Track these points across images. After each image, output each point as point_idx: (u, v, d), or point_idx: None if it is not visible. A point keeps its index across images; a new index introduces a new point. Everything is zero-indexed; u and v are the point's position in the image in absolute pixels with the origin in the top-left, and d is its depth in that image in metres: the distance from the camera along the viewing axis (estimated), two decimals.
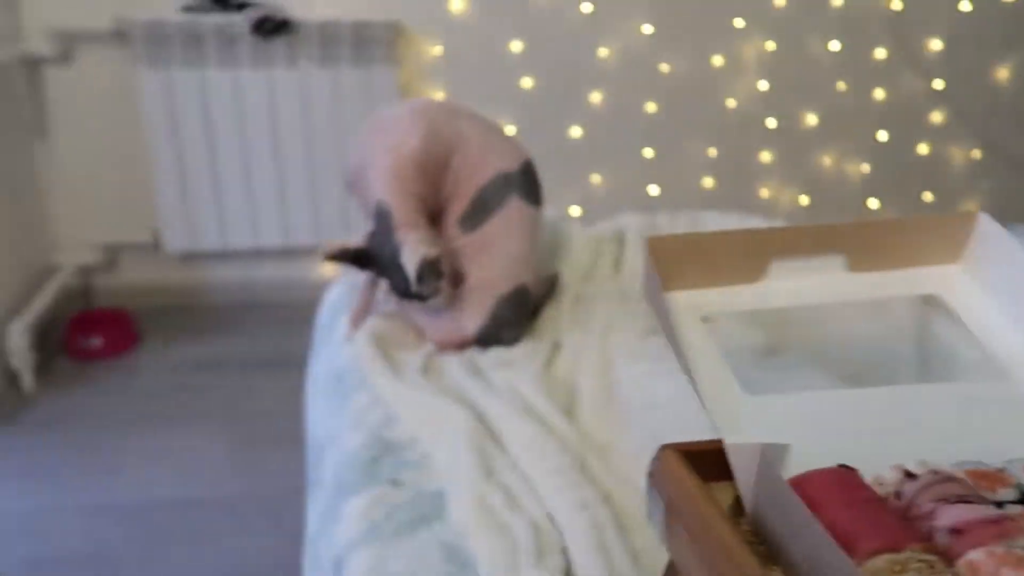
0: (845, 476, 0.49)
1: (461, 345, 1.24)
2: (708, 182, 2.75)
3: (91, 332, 2.27)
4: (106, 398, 2.08)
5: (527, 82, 2.52)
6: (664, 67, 2.58)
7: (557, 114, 2.58)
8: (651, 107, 2.62)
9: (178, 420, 2.01)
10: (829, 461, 0.50)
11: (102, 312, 2.40)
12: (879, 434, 0.54)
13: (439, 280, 1.16)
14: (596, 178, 2.68)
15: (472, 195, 1.26)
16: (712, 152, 2.72)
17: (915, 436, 0.54)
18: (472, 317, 1.23)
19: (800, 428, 0.52)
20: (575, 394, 1.09)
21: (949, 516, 0.45)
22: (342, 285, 1.48)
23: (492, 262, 1.24)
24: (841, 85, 2.71)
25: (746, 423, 0.51)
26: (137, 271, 2.53)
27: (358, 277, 1.42)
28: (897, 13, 2.65)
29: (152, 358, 2.27)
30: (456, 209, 1.27)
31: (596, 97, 2.58)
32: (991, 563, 0.42)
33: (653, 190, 2.72)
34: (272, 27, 2.23)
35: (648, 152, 2.67)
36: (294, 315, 2.34)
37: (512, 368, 1.14)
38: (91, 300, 2.51)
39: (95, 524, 1.66)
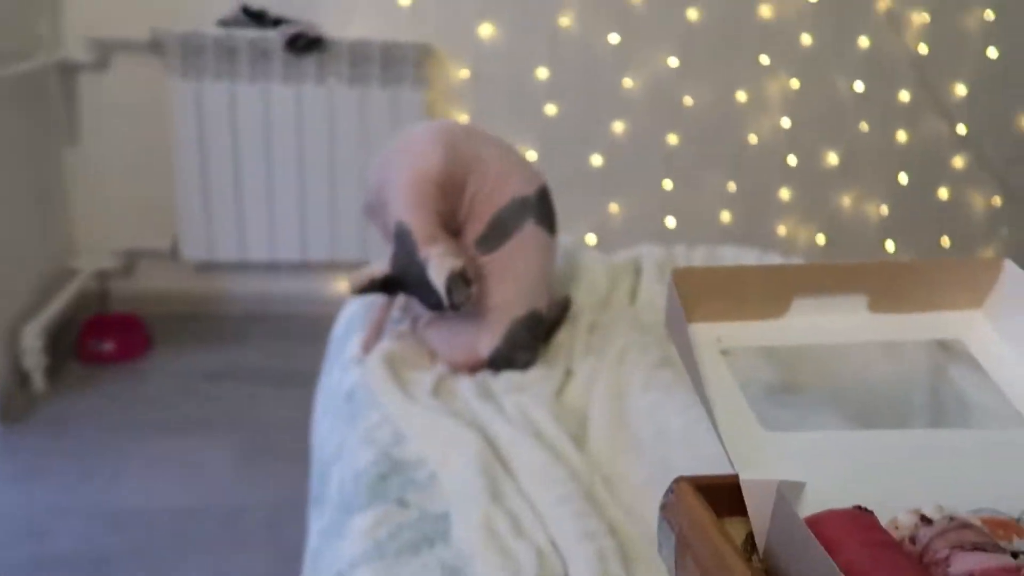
0: (861, 518, 0.48)
1: (474, 367, 1.24)
2: (726, 216, 2.75)
3: (104, 336, 2.28)
4: (114, 403, 2.09)
5: (551, 109, 2.54)
6: (688, 100, 2.60)
7: (579, 141, 2.59)
8: (673, 139, 2.63)
9: (184, 428, 2.01)
10: (845, 502, 0.49)
11: (116, 317, 2.41)
12: (896, 477, 0.53)
13: (469, 288, 1.17)
14: (614, 207, 2.69)
15: (489, 217, 1.27)
16: (731, 186, 2.72)
17: (932, 480, 0.53)
18: (486, 339, 1.23)
19: (817, 467, 0.51)
20: (586, 422, 1.09)
21: (965, 563, 0.45)
22: (357, 302, 1.48)
23: (508, 285, 1.25)
24: (864, 126, 2.71)
25: (762, 459, 0.51)
26: (154, 278, 2.55)
27: (373, 295, 1.43)
28: (923, 56, 2.66)
29: (162, 365, 2.28)
30: (473, 231, 1.27)
31: (619, 127, 2.60)
32: None
33: (670, 222, 2.72)
34: (305, 44, 2.26)
35: (667, 184, 2.68)
36: (307, 329, 2.35)
37: (524, 393, 1.14)
38: (107, 305, 2.53)
39: (95, 528, 1.66)
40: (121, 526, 1.67)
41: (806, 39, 2.58)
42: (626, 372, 1.15)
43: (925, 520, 0.49)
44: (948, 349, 1.12)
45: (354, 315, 1.43)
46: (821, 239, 2.83)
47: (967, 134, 2.78)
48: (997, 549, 0.46)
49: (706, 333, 0.57)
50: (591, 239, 2.67)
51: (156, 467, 1.86)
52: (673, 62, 2.54)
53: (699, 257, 1.61)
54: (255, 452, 1.93)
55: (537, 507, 0.89)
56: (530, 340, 1.25)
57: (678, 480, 0.53)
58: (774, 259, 1.63)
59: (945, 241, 2.93)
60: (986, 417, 0.95)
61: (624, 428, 1.05)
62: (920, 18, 2.62)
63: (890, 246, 2.90)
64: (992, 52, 2.70)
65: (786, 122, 2.67)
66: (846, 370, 1.07)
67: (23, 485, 1.77)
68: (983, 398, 0.98)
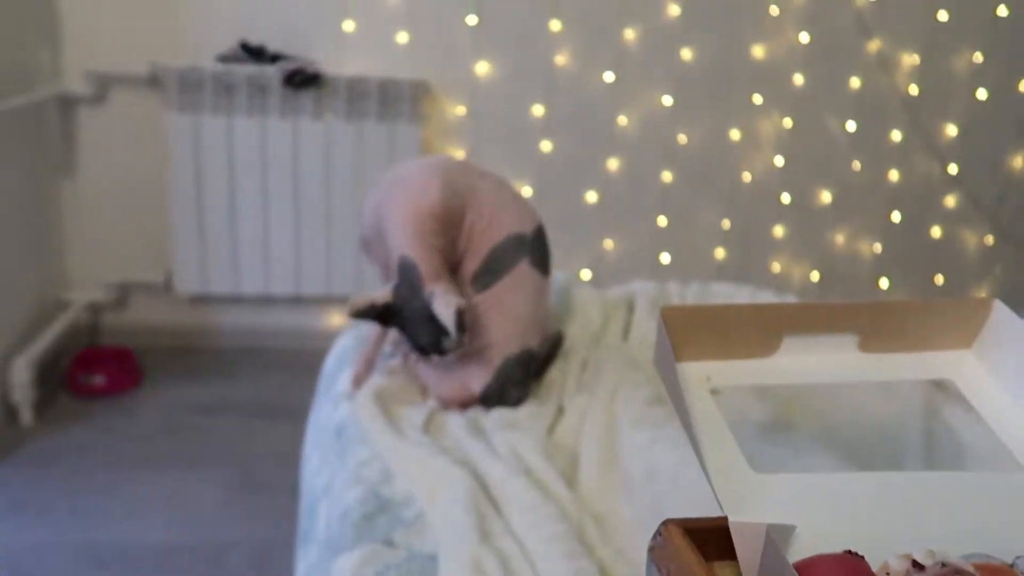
0: (851, 563, 0.47)
1: (465, 403, 1.23)
2: (720, 253, 2.76)
3: (94, 369, 2.26)
4: (103, 437, 2.06)
5: (546, 145, 2.56)
6: (682, 138, 2.62)
7: (574, 178, 2.61)
8: (667, 176, 2.65)
9: (173, 463, 1.98)
10: (835, 545, 0.48)
11: (106, 350, 2.40)
12: (887, 520, 0.52)
13: (464, 333, 1.15)
14: (609, 243, 2.69)
15: (485, 253, 1.27)
16: (725, 224, 2.73)
17: (923, 524, 0.52)
18: (478, 376, 1.22)
19: (807, 510, 0.50)
20: (577, 459, 1.08)
21: None
22: (350, 336, 1.48)
23: (501, 323, 1.24)
24: (856, 164, 2.74)
25: (752, 502, 0.50)
26: (146, 311, 2.54)
27: (366, 329, 1.42)
28: (914, 97, 2.69)
29: (153, 399, 2.26)
30: (469, 267, 1.27)
31: (613, 164, 2.62)
32: None
33: (665, 258, 2.73)
34: (303, 80, 2.29)
35: (662, 220, 2.69)
36: (299, 363, 2.34)
37: (515, 430, 1.13)
38: (98, 337, 2.52)
39: (81, 565, 1.63)
40: (107, 563, 1.64)
41: (798, 79, 2.62)
42: (618, 409, 1.14)
43: (917, 566, 0.48)
44: (942, 389, 1.11)
45: (346, 349, 1.42)
46: (815, 276, 2.84)
47: (958, 174, 2.80)
48: None
49: (695, 372, 0.57)
50: (586, 275, 2.67)
51: (144, 502, 1.83)
52: (667, 101, 2.57)
53: (692, 294, 1.61)
54: (245, 487, 1.91)
55: (527, 547, 0.88)
56: (522, 377, 1.24)
57: (666, 523, 0.52)
58: (767, 296, 1.63)
59: (939, 279, 2.94)
60: (980, 459, 0.95)
61: (615, 466, 1.04)
62: (910, 60, 2.66)
63: (884, 284, 2.91)
64: (981, 94, 2.74)
65: (779, 160, 2.69)
66: (838, 410, 1.06)
67: (9, 521, 1.74)
68: (976, 439, 0.97)
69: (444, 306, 1.13)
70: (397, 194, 1.26)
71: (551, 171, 2.57)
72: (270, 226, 2.43)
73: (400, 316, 1.19)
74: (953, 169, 2.80)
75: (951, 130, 2.77)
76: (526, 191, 2.54)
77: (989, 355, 0.60)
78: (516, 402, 1.22)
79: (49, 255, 2.38)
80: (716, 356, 0.58)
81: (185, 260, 2.42)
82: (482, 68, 2.47)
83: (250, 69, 2.29)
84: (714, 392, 0.57)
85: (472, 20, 2.42)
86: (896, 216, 2.83)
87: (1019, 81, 2.75)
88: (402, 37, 2.41)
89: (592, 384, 1.24)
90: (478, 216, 1.26)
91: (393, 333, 1.35)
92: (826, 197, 2.77)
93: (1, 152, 2.05)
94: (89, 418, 2.14)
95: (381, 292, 1.20)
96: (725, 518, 0.48)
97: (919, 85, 2.68)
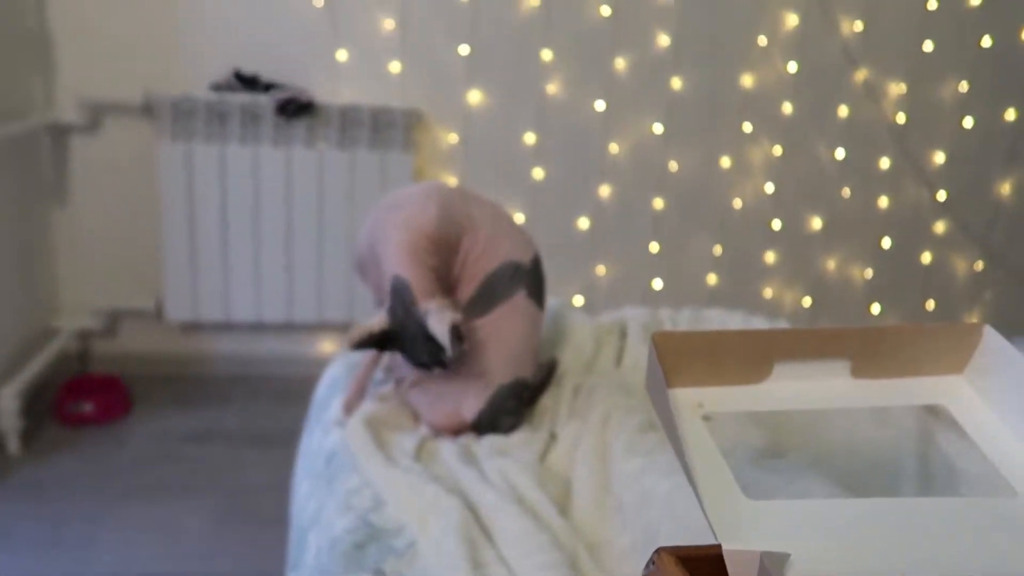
0: None
1: (457, 430, 1.23)
2: (712, 279, 2.77)
3: (83, 397, 2.24)
4: (91, 466, 2.04)
5: (538, 173, 2.58)
6: (673, 165, 2.64)
7: (566, 205, 2.62)
8: (658, 203, 2.67)
9: (162, 492, 1.96)
10: (830, 572, 0.48)
11: (96, 378, 2.38)
12: (881, 547, 0.52)
13: (462, 344, 1.15)
14: (601, 269, 2.70)
15: (480, 280, 1.26)
16: (717, 250, 2.74)
17: (918, 551, 0.52)
18: (470, 403, 1.22)
19: (801, 537, 0.50)
20: (569, 487, 1.07)
21: None
22: (341, 363, 1.47)
23: (496, 351, 1.24)
24: (846, 191, 2.76)
25: (746, 529, 0.50)
26: (136, 338, 2.53)
27: (358, 355, 1.42)
28: (901, 125, 2.72)
29: (142, 427, 2.24)
30: (464, 293, 1.27)
31: (605, 191, 2.63)
32: None
33: (657, 284, 2.73)
34: (296, 108, 2.30)
35: (654, 246, 2.70)
36: (290, 390, 2.32)
37: (507, 457, 1.12)
38: (88, 365, 2.50)
39: None
40: None
41: (787, 108, 2.65)
42: (610, 436, 1.14)
43: None
44: (934, 415, 1.11)
45: (337, 376, 1.41)
46: (807, 302, 2.85)
47: (947, 200, 2.83)
48: None
49: (687, 398, 0.56)
50: (578, 301, 2.67)
51: (132, 533, 1.80)
52: (658, 128, 2.60)
53: (684, 320, 1.61)
54: (234, 516, 1.88)
55: (519, 575, 0.87)
56: (515, 406, 1.24)
57: (660, 551, 0.51)
58: (759, 322, 1.63)
59: (930, 304, 2.95)
60: (974, 484, 0.94)
61: (608, 493, 1.03)
62: (897, 88, 2.70)
63: (876, 309, 2.92)
64: (968, 121, 2.77)
65: (770, 187, 2.71)
66: (832, 435, 1.06)
67: None
68: (970, 465, 0.97)
69: (439, 323, 1.13)
70: (393, 216, 1.26)
71: (543, 198, 2.58)
72: (261, 253, 2.43)
73: (398, 339, 1.18)
74: (942, 195, 2.82)
75: (939, 157, 2.80)
76: (519, 218, 2.55)
77: (981, 380, 0.60)
78: (508, 430, 1.22)
79: (39, 282, 2.36)
80: (708, 382, 0.58)
81: (176, 287, 2.41)
82: (474, 96, 2.49)
83: (243, 98, 2.30)
84: (706, 418, 0.57)
85: (464, 49, 2.45)
86: (886, 242, 2.85)
87: (1004, 110, 2.79)
88: (395, 66, 2.43)
89: (584, 411, 1.23)
90: (473, 243, 1.26)
91: (385, 359, 1.34)
92: (817, 223, 2.79)
93: None
94: (78, 447, 2.12)
95: (377, 320, 1.19)
96: (719, 546, 0.48)
97: (906, 113, 2.72)
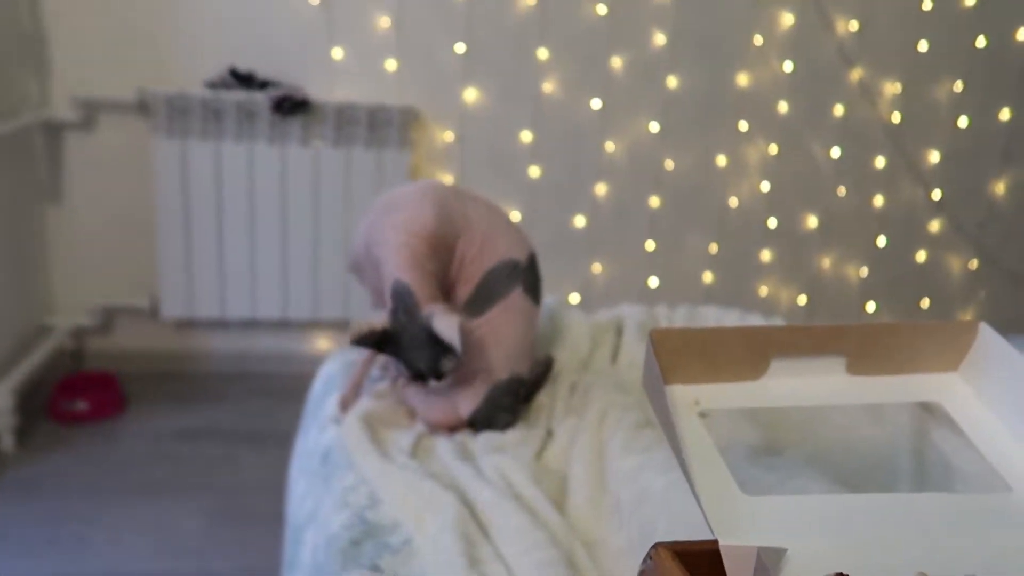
0: None
1: (454, 427, 1.23)
2: (708, 277, 2.77)
3: (77, 395, 2.23)
4: (85, 464, 2.03)
5: (535, 171, 2.58)
6: (669, 164, 2.64)
7: (562, 203, 2.62)
8: (655, 201, 2.67)
9: (157, 490, 1.96)
10: (826, 568, 0.48)
11: (90, 375, 2.37)
12: (877, 542, 0.52)
13: (458, 356, 1.15)
14: (597, 267, 2.70)
15: (478, 279, 1.26)
16: (713, 248, 2.75)
17: (914, 545, 0.52)
18: (467, 400, 1.22)
19: (797, 532, 0.50)
20: (566, 484, 1.07)
21: None
22: (337, 360, 1.47)
23: (493, 349, 1.24)
24: (841, 190, 2.77)
25: (742, 524, 0.50)
26: (131, 336, 2.52)
27: (354, 353, 1.42)
28: (896, 125, 2.73)
29: (137, 425, 2.23)
30: (462, 293, 1.27)
31: (601, 189, 2.63)
32: None
33: (653, 282, 2.74)
34: (291, 106, 2.29)
35: (650, 245, 2.71)
36: (286, 388, 2.32)
37: (503, 454, 1.12)
38: (82, 363, 2.49)
39: None
40: None
41: (783, 107, 2.65)
42: (607, 433, 1.14)
43: None
44: (930, 412, 1.11)
45: (333, 374, 1.41)
46: (803, 300, 2.86)
47: (942, 199, 2.84)
48: None
49: (684, 395, 0.57)
50: (575, 299, 2.68)
51: (126, 531, 1.80)
52: (654, 127, 2.60)
53: (680, 317, 1.61)
54: (229, 515, 1.88)
55: (515, 572, 0.87)
56: (511, 403, 1.24)
57: (656, 546, 0.52)
58: (755, 320, 1.63)
59: (925, 303, 2.96)
60: (969, 481, 0.95)
61: (605, 491, 1.03)
62: (892, 88, 2.70)
63: (871, 307, 2.93)
64: (963, 121, 2.78)
65: (765, 186, 2.72)
66: (828, 432, 1.06)
67: None
68: (965, 461, 0.97)
69: (446, 324, 1.12)
70: (389, 219, 1.26)
71: (539, 196, 2.58)
72: (257, 251, 2.42)
73: (397, 343, 1.17)
74: (937, 195, 2.83)
75: (934, 156, 2.80)
76: (515, 216, 2.55)
77: (976, 377, 0.60)
78: (504, 427, 1.22)
79: (34, 280, 2.36)
80: (704, 379, 0.58)
81: (171, 285, 2.41)
82: (470, 95, 2.49)
83: (239, 95, 2.30)
84: (703, 415, 0.57)
85: (460, 48, 2.44)
86: (882, 241, 2.86)
87: (999, 109, 2.80)
88: (391, 64, 2.43)
89: (581, 408, 1.23)
90: (470, 243, 1.26)
91: (381, 356, 1.34)
92: (812, 222, 2.79)
93: None
94: (71, 445, 2.11)
95: (379, 318, 1.18)
96: (716, 541, 0.48)
97: (901, 113, 2.72)
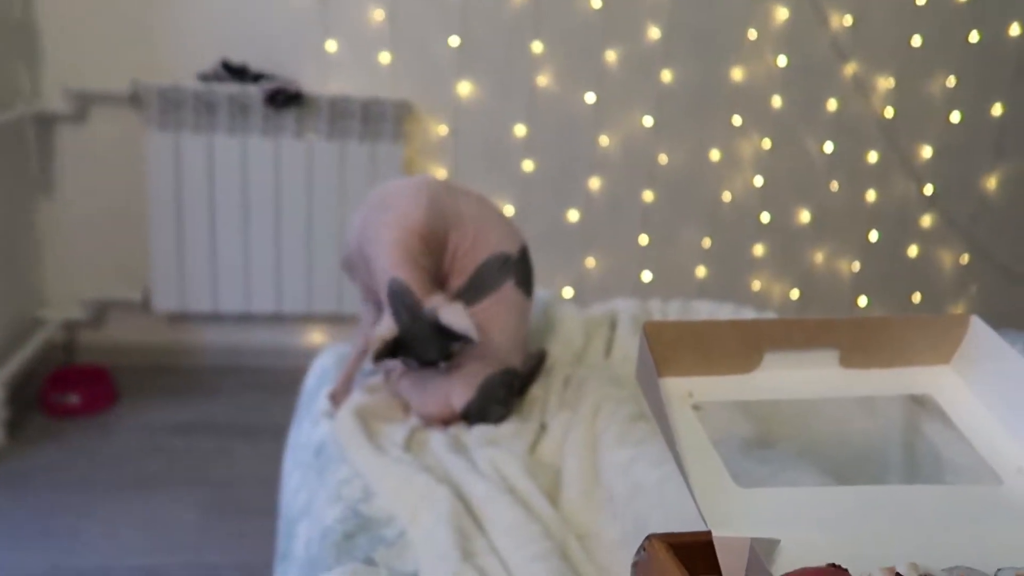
0: None
1: (447, 420, 1.23)
2: (701, 271, 2.78)
3: (68, 388, 2.23)
4: (77, 457, 2.03)
5: (528, 165, 2.57)
6: (663, 158, 2.64)
7: (556, 197, 2.62)
8: (648, 196, 2.67)
9: (150, 484, 1.95)
10: (819, 559, 0.48)
11: (81, 369, 2.36)
12: (869, 533, 0.53)
13: (474, 342, 1.16)
14: (591, 261, 2.70)
15: (470, 272, 1.27)
16: (706, 242, 2.75)
17: (905, 537, 0.53)
18: (460, 393, 1.22)
19: (790, 524, 0.51)
20: (559, 477, 1.07)
21: None
22: (330, 354, 1.47)
23: (485, 342, 1.24)
24: (834, 185, 2.77)
25: (736, 516, 0.50)
26: (123, 329, 2.51)
27: (346, 348, 1.41)
28: (889, 120, 2.74)
29: (128, 418, 2.23)
30: (454, 286, 1.27)
31: (595, 183, 2.63)
32: None
33: (646, 276, 2.74)
34: (285, 99, 2.29)
35: (643, 239, 2.71)
36: (279, 381, 2.32)
37: (497, 447, 1.12)
38: (74, 356, 2.48)
39: None
40: None
41: (776, 101, 2.65)
42: (600, 426, 1.14)
43: None
44: (922, 404, 1.12)
45: (326, 367, 1.41)
46: (795, 294, 2.87)
47: (934, 194, 2.85)
48: None
49: (678, 387, 0.57)
50: (568, 293, 2.68)
51: (119, 524, 1.80)
52: (648, 121, 2.60)
53: (674, 311, 1.61)
54: (223, 508, 1.88)
55: (510, 565, 0.87)
56: (504, 395, 1.24)
57: (650, 538, 0.52)
58: (748, 314, 1.64)
59: (916, 297, 2.97)
60: (960, 473, 0.95)
61: (598, 484, 1.03)
62: (886, 83, 2.71)
63: (863, 302, 2.94)
64: (955, 116, 2.79)
65: (759, 180, 2.72)
66: (820, 425, 1.07)
67: None
68: (956, 454, 0.98)
69: (456, 315, 1.13)
70: (382, 216, 1.26)
71: (533, 190, 2.58)
72: (250, 244, 2.42)
73: (408, 344, 1.17)
74: (929, 189, 2.84)
75: (926, 151, 2.81)
76: (508, 210, 2.55)
77: (968, 370, 0.60)
78: (498, 420, 1.22)
79: (25, 273, 2.34)
80: (698, 372, 0.58)
81: (164, 278, 2.40)
82: (464, 88, 2.49)
83: (232, 88, 2.29)
84: (696, 408, 0.57)
85: (455, 41, 2.44)
86: (874, 235, 2.87)
87: (991, 104, 2.81)
88: (385, 57, 2.42)
89: (574, 401, 1.23)
90: (462, 237, 1.27)
91: None
92: (805, 216, 2.80)
93: None
94: (63, 438, 2.10)
95: (385, 328, 1.18)
96: (709, 533, 0.48)
97: (894, 107, 2.73)
